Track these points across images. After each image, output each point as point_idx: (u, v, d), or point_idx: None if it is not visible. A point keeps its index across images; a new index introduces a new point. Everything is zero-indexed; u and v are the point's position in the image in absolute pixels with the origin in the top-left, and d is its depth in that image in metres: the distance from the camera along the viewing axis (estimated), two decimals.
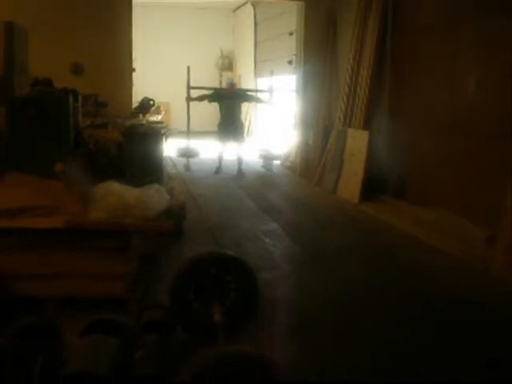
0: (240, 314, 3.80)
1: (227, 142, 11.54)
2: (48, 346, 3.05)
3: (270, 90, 12.48)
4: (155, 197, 4.44)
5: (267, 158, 12.45)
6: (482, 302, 4.94)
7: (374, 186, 8.69)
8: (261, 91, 13.70)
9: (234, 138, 11.50)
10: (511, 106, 6.11)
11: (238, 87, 12.27)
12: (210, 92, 12.19)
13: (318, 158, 10.71)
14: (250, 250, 6.15)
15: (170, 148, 9.99)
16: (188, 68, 11.80)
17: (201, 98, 11.97)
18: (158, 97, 13.56)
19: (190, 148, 12.00)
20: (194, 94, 12.09)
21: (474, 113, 6.93)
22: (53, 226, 4.13)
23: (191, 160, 12.03)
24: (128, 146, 6.25)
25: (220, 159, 11.56)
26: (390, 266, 5.89)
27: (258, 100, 12.61)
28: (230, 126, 11.44)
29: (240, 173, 11.36)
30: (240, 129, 11.78)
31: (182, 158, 11.92)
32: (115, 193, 4.26)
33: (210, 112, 16.89)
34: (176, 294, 3.75)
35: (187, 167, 11.82)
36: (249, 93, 12.75)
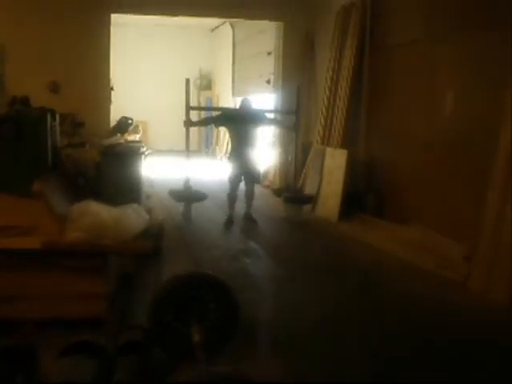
0: (220, 334, 3.77)
1: (239, 179, 8.60)
2: (26, 368, 3.01)
3: (297, 111, 9.26)
4: (133, 217, 4.41)
5: (295, 201, 9.34)
6: (459, 315, 5.04)
7: (352, 204, 8.72)
8: (281, 112, 11.05)
9: (246, 173, 8.55)
10: (489, 122, 6.18)
11: (252, 107, 8.80)
12: (217, 114, 9.21)
13: (296, 177, 10.73)
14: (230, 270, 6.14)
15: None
16: (187, 81, 8.70)
17: (205, 122, 9.58)
18: (136, 115, 13.53)
19: (192, 189, 8.56)
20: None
21: (451, 130, 7.00)
22: (29, 247, 4.08)
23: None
24: (105, 166, 6.22)
25: (231, 204, 8.63)
26: (369, 283, 5.91)
27: (280, 124, 9.75)
28: (243, 157, 8.44)
29: (249, 217, 8.73)
30: (254, 162, 8.69)
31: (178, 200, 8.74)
32: (92, 212, 4.23)
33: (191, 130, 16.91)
34: (155, 315, 3.72)
35: (187, 216, 8.65)
36: (267, 114, 9.36)
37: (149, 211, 5.22)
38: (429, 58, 7.53)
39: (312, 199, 9.33)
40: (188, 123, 8.61)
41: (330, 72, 9.96)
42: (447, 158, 7.05)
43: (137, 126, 14.72)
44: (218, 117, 8.94)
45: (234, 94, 17.62)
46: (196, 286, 3.78)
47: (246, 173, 8.52)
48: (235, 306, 3.83)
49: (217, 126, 9.24)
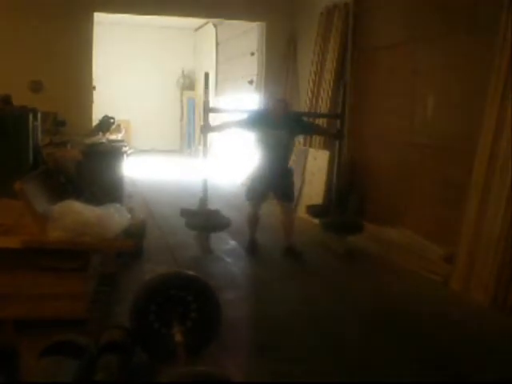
0: (201, 334, 3.77)
1: (263, 197, 6.83)
2: (6, 368, 2.99)
3: (342, 114, 7.49)
4: (115, 216, 4.40)
5: (339, 230, 7.20)
6: (441, 314, 5.11)
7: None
8: (325, 116, 9.19)
9: (279, 191, 6.76)
10: (470, 125, 6.23)
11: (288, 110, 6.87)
12: (243, 117, 6.93)
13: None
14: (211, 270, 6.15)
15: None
16: (206, 75, 7.42)
17: (228, 127, 7.40)
18: (118, 115, 13.46)
19: (212, 215, 6.89)
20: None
21: (434, 132, 7.05)
22: (10, 246, 4.05)
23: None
24: (87, 165, 6.20)
25: (253, 226, 6.95)
26: (351, 284, 5.95)
27: (323, 132, 8.22)
28: (276, 170, 6.62)
29: (292, 251, 6.74)
30: (290, 179, 6.86)
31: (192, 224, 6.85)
32: (74, 212, 4.20)
33: (170, 125, 16.80)
34: (136, 315, 3.71)
35: (206, 245, 6.81)
36: (305, 119, 7.66)
37: (130, 210, 5.22)
38: (411, 60, 7.58)
39: (362, 227, 7.17)
40: (207, 129, 6.93)
41: (313, 72, 9.99)
42: (429, 160, 7.10)
43: (119, 125, 14.68)
44: (244, 121, 6.80)
45: (216, 94, 17.63)
46: (177, 286, 3.79)
47: (279, 190, 6.74)
48: (217, 306, 3.84)
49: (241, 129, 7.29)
